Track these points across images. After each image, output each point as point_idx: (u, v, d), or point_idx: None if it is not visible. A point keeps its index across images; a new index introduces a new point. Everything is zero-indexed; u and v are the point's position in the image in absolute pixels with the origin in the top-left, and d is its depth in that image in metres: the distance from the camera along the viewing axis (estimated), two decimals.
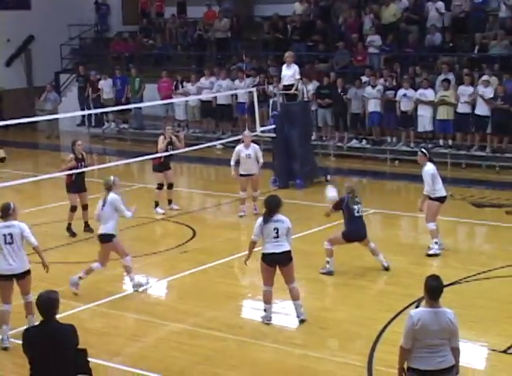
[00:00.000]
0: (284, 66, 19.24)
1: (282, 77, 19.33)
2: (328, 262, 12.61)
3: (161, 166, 16.87)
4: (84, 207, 15.26)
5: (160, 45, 28.76)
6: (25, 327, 6.93)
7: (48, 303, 6.86)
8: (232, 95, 23.98)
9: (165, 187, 16.93)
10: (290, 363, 9.69)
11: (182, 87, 25.13)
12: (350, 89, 22.12)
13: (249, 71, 23.85)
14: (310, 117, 20.49)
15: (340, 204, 12.60)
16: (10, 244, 9.98)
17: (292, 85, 18.98)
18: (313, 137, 21.18)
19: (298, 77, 19.13)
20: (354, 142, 22.40)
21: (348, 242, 12.69)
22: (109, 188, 12.07)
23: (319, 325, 10.75)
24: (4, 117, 26.31)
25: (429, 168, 13.27)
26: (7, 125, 16.63)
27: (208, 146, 20.15)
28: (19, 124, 13.42)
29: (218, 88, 24.12)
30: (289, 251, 10.62)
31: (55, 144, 26.70)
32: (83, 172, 15.22)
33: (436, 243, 13.44)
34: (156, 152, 16.74)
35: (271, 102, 20.59)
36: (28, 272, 10.24)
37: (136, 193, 18.43)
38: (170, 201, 17.04)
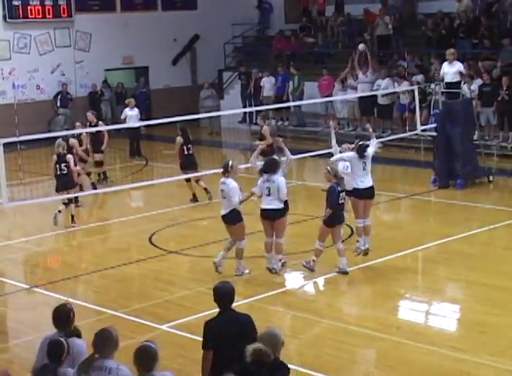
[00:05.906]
0: (446, 64, 18.83)
1: (444, 74, 18.93)
2: None
3: None
4: None
5: (321, 43, 28.85)
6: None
7: (226, 292, 7.35)
8: (393, 94, 23.71)
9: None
10: (448, 367, 9.52)
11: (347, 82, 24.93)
12: None
13: (410, 69, 23.53)
14: (472, 116, 19.93)
15: None
16: (224, 197, 12.39)
17: (454, 83, 18.60)
18: (475, 136, 20.64)
19: (464, 72, 18.83)
20: None
21: None
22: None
23: (478, 329, 10.53)
24: (170, 114, 27.17)
25: None
26: (173, 122, 17.21)
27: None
28: (183, 121, 13.87)
29: (378, 88, 23.92)
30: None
31: (216, 140, 27.34)
32: None
33: None
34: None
35: (432, 100, 20.24)
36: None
37: (294, 190, 18.55)
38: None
